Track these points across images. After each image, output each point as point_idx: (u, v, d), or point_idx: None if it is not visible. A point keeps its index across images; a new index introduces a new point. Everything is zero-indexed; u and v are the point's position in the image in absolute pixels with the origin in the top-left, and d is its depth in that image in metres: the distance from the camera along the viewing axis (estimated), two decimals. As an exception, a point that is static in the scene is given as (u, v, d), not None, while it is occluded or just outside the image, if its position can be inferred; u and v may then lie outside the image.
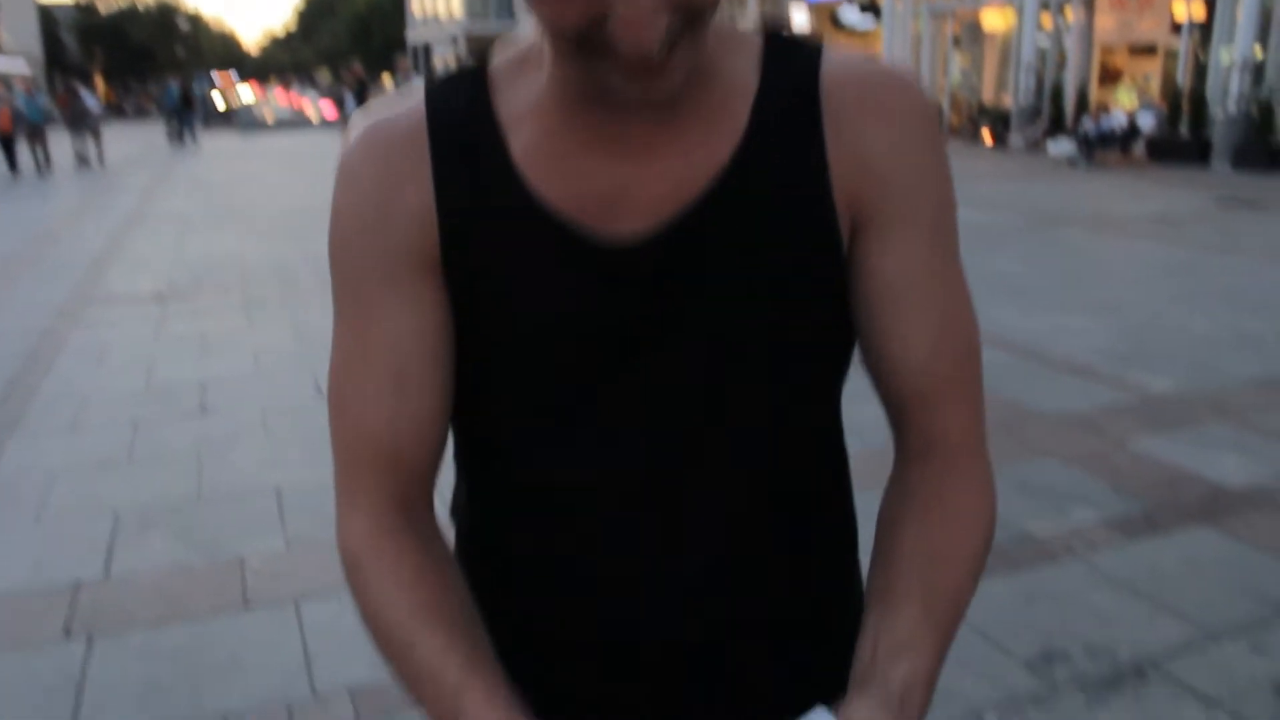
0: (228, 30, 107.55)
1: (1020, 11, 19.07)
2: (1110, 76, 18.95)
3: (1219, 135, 15.17)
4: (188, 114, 26.88)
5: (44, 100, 20.86)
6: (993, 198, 12.04)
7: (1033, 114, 19.01)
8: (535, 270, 0.80)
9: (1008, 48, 20.45)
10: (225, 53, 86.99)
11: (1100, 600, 3.02)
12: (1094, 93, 18.67)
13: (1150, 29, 18.05)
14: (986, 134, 19.97)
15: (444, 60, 44.18)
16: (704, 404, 0.82)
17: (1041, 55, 19.20)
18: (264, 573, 3.34)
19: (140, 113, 47.88)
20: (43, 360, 6.04)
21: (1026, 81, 18.97)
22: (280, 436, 4.60)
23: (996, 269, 7.91)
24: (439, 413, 0.84)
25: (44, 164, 18.87)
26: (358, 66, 26.70)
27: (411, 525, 0.83)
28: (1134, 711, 2.51)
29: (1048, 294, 7.20)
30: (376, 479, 0.83)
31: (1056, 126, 17.99)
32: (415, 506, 0.84)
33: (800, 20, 24.07)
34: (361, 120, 0.84)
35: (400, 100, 0.84)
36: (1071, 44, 18.83)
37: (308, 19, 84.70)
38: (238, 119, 35.52)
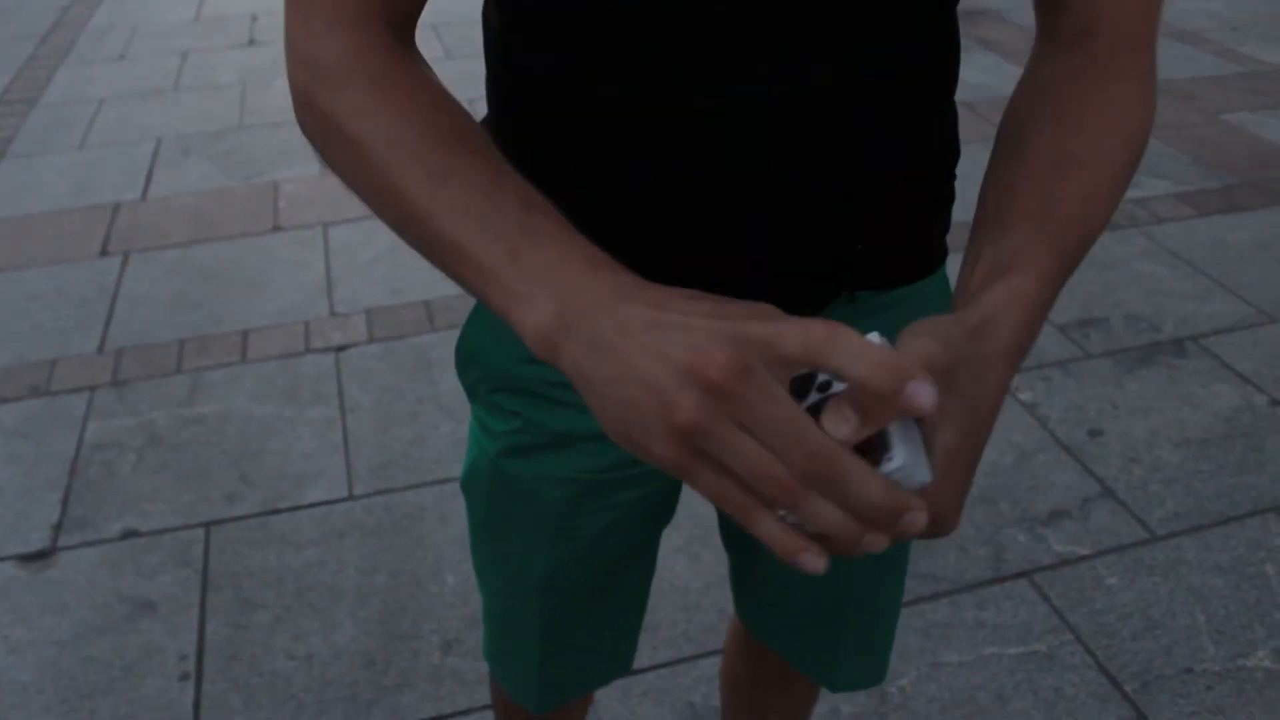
0: None
1: None
2: None
3: None
4: None
5: None
6: None
7: None
8: None
9: None
10: None
11: (1154, 273, 2.86)
12: None
13: None
14: None
15: None
16: None
17: None
18: (296, 198, 3.31)
19: None
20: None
21: None
22: (326, 72, 4.46)
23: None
24: None
25: None
26: None
27: (410, 49, 0.64)
28: (1164, 383, 2.42)
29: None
30: None
31: None
32: (409, 31, 0.65)
33: None
34: None
35: None
36: None
37: None
38: None
